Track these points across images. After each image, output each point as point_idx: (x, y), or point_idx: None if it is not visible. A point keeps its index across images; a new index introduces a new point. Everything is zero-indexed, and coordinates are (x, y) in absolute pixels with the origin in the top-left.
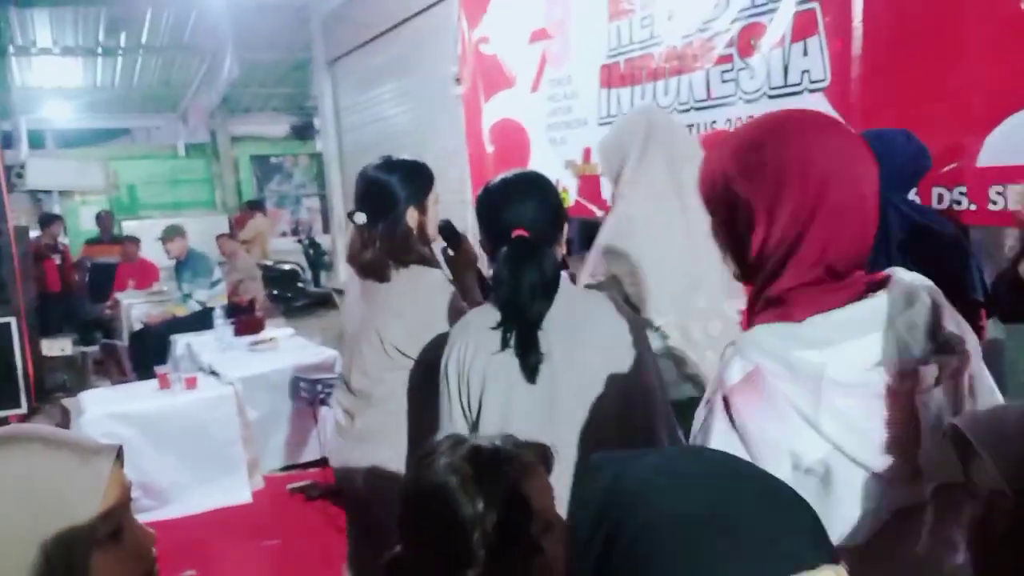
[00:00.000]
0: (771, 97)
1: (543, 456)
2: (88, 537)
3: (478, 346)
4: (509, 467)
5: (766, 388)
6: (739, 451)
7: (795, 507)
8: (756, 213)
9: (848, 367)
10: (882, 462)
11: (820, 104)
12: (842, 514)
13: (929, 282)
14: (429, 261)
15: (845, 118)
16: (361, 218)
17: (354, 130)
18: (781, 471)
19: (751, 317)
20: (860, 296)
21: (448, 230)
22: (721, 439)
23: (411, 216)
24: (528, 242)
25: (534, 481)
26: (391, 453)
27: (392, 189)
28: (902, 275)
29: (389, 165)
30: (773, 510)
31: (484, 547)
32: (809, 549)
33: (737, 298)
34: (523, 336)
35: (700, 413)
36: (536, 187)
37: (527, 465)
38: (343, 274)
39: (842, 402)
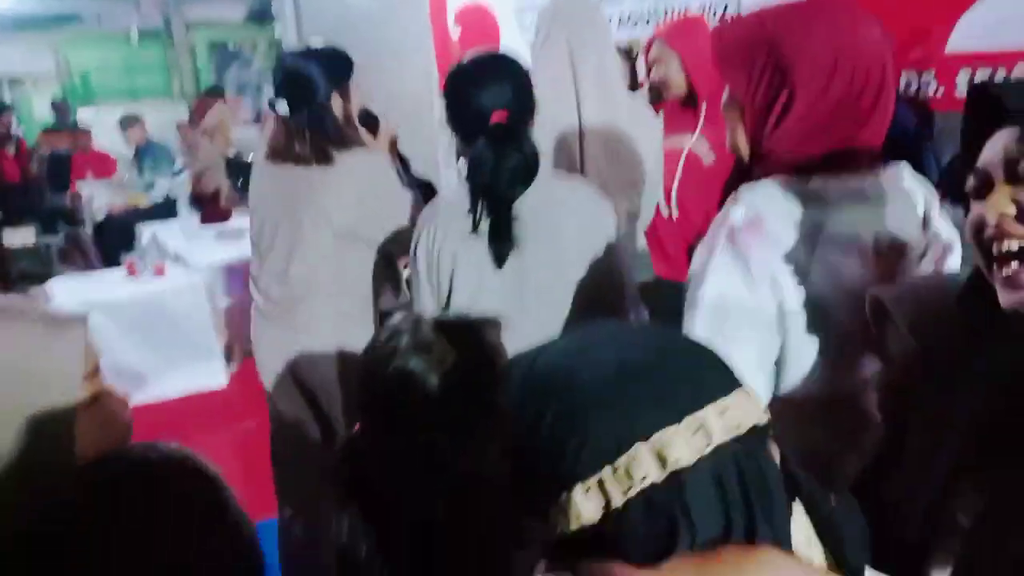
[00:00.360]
0: None
1: (496, 328)
2: (70, 404)
3: (448, 229)
4: (480, 335)
5: (767, 232)
6: (741, 277)
7: (698, 351)
8: (797, 94)
9: (846, 227)
10: (858, 321)
11: None
12: (804, 363)
13: (928, 182)
14: (362, 145)
15: None
16: (284, 108)
17: (314, 16)
18: (774, 300)
19: (746, 177)
20: (869, 171)
21: (367, 115)
22: (725, 267)
23: (335, 103)
24: (508, 126)
25: (499, 348)
26: (334, 340)
27: (313, 77)
28: (908, 169)
29: (307, 53)
30: (679, 356)
31: (458, 416)
32: (718, 381)
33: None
34: (497, 221)
35: (699, 255)
36: (510, 68)
37: (492, 334)
38: None
39: (834, 258)
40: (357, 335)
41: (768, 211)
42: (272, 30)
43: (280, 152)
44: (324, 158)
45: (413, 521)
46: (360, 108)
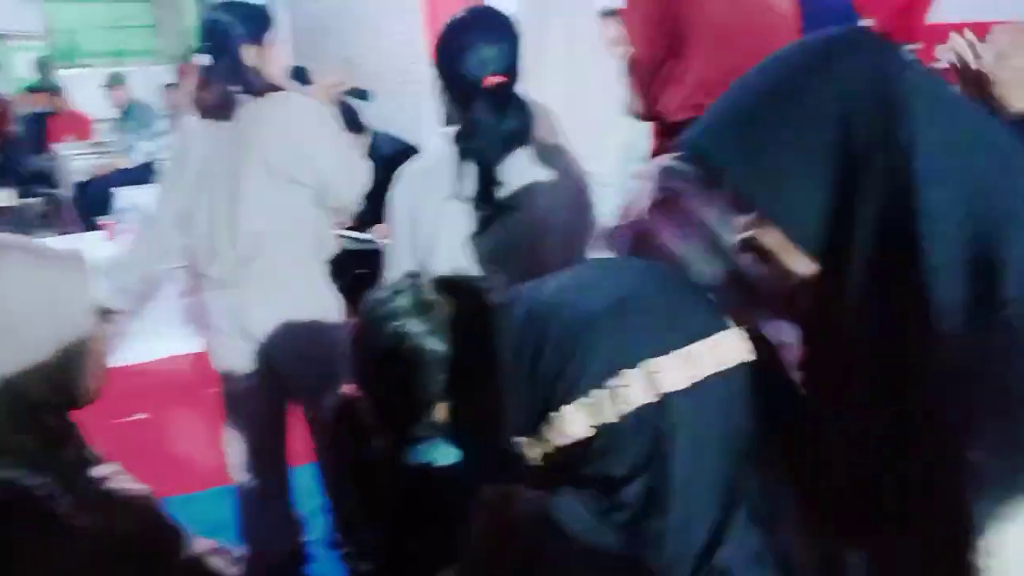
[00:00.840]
0: None
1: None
2: (87, 333)
3: (430, 192)
4: (481, 294)
5: (681, 209)
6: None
7: (691, 289)
8: (690, 59)
9: None
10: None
11: None
12: None
13: None
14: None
15: None
16: (205, 59)
17: None
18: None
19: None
20: None
21: (299, 72)
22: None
23: (248, 54)
24: (506, 89)
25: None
26: (291, 298)
27: (226, 28)
28: None
29: (224, 5)
30: (675, 293)
31: (460, 376)
32: (710, 319)
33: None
34: (484, 185)
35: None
36: (502, 27)
37: (494, 292)
38: None
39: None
40: (314, 291)
41: (679, 186)
42: None
43: (201, 105)
44: (236, 106)
45: (404, 481)
46: (292, 68)
